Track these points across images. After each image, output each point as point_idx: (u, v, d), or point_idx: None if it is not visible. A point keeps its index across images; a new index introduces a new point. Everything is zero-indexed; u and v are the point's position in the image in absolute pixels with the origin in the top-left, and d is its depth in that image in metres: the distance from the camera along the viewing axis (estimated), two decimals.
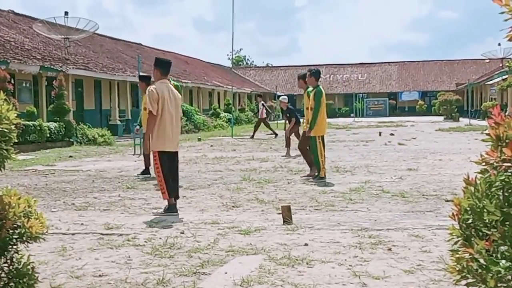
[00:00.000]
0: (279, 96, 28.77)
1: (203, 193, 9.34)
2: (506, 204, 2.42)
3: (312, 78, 10.84)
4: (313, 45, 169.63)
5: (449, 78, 69.67)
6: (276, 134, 25.22)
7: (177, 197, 7.77)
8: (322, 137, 10.88)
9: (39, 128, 20.71)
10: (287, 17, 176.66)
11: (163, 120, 7.45)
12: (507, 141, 2.38)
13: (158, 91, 7.44)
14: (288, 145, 16.64)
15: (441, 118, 50.02)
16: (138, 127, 14.45)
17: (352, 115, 59.61)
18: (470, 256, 2.49)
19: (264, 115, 26.63)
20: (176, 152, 7.81)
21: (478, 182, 2.58)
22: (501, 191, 2.47)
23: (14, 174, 12.61)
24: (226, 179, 11.06)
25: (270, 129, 26.28)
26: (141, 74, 13.22)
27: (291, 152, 16.02)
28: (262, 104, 26.77)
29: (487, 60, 57.35)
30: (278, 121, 35.96)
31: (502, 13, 2.36)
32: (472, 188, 2.58)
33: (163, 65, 7.76)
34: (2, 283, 3.35)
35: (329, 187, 9.70)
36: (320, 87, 10.87)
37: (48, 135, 21.30)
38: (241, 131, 32.37)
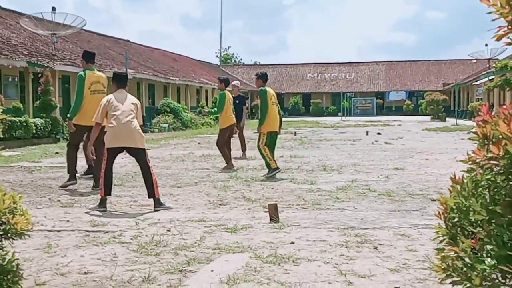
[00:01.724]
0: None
1: (190, 191, 9.32)
2: (492, 203, 2.42)
3: (260, 80, 11.67)
4: (301, 44, 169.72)
5: (436, 78, 69.94)
6: None
7: (154, 195, 7.77)
8: (271, 134, 11.28)
9: (25, 124, 20.58)
10: (275, 15, 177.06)
11: (112, 122, 7.88)
12: (493, 139, 2.38)
13: (104, 101, 8.06)
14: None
15: (428, 118, 50.26)
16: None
17: (339, 114, 59.72)
18: (456, 255, 2.50)
19: None
20: (138, 149, 7.94)
21: (464, 181, 2.58)
22: (487, 190, 2.48)
23: None
24: (213, 177, 11.04)
25: None
26: (85, 50, 11.42)
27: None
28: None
29: (474, 61, 57.65)
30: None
31: (490, 13, 2.36)
32: (459, 187, 2.58)
33: (119, 79, 8.42)
34: None
35: (316, 186, 9.71)
36: (265, 87, 11.40)
37: (34, 131, 21.18)
38: None
